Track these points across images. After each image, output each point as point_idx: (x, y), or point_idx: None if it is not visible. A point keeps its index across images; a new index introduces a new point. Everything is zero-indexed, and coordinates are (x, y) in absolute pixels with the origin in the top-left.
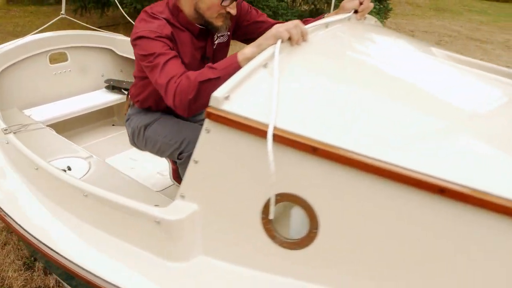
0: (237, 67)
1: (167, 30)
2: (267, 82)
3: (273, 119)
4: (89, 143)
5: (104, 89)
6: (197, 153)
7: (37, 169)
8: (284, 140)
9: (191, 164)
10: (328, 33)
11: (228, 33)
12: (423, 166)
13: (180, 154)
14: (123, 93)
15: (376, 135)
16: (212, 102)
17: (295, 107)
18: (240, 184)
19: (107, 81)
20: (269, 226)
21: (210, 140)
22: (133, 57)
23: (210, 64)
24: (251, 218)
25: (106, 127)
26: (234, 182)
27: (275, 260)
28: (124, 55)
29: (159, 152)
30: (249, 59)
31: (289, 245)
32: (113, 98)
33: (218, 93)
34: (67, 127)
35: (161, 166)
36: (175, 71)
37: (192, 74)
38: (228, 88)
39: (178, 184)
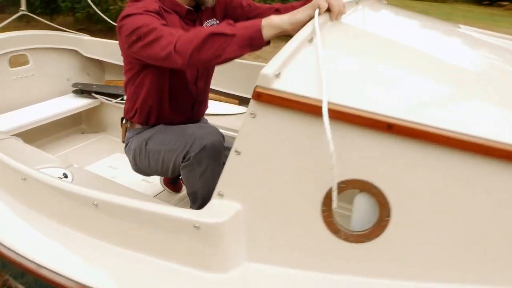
0: (257, 31)
1: (155, 5)
2: (315, 58)
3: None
4: (58, 153)
5: (72, 94)
6: (239, 143)
7: (25, 179)
8: (352, 118)
9: (231, 156)
10: (360, 10)
11: (217, 21)
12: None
13: (185, 155)
14: (94, 98)
15: (450, 109)
16: (260, 81)
17: (352, 83)
18: (294, 174)
19: (74, 85)
20: (331, 219)
21: (257, 126)
22: (102, 59)
23: (229, 20)
24: (309, 212)
25: (75, 135)
26: (286, 173)
27: (339, 258)
28: (92, 56)
29: (164, 167)
30: (275, 27)
31: (356, 238)
32: (82, 103)
33: (268, 71)
34: (32, 137)
35: None
36: (176, 30)
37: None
38: (278, 65)
39: (169, 190)
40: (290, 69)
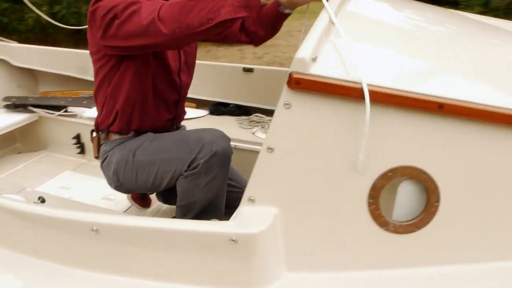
0: None
1: None
2: (345, 41)
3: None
4: None
5: (3, 110)
6: (272, 138)
7: None
8: (402, 101)
9: (263, 155)
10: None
11: None
12: None
13: (191, 163)
14: (30, 112)
15: (496, 87)
16: (296, 67)
17: (389, 65)
18: (336, 167)
19: (5, 99)
20: (379, 212)
21: (292, 117)
22: (35, 68)
23: None
24: (354, 207)
25: (11, 156)
26: (327, 167)
27: (390, 252)
28: (23, 66)
29: (157, 179)
30: None
31: (406, 228)
32: (16, 119)
33: (304, 54)
34: None
35: (105, 190)
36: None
37: None
38: (311, 49)
39: (138, 206)
40: (324, 52)
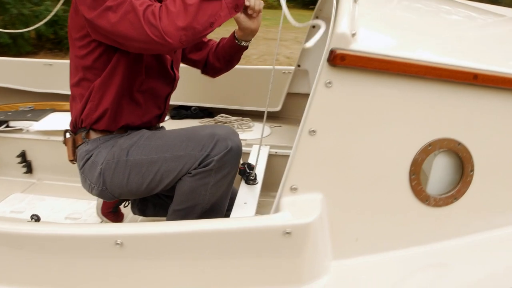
0: None
1: None
2: (375, 16)
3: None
4: None
5: None
6: (313, 120)
7: None
8: (441, 73)
9: (304, 139)
10: None
11: None
12: None
13: (203, 160)
14: None
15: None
16: (337, 43)
17: (421, 39)
18: (379, 144)
19: None
20: (421, 187)
21: (333, 96)
22: None
23: None
24: (396, 184)
25: None
26: (369, 145)
27: (433, 225)
28: None
29: (155, 180)
30: None
31: (445, 200)
32: None
33: (343, 29)
34: None
35: (65, 209)
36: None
37: None
38: (348, 24)
39: (109, 221)
40: (361, 28)
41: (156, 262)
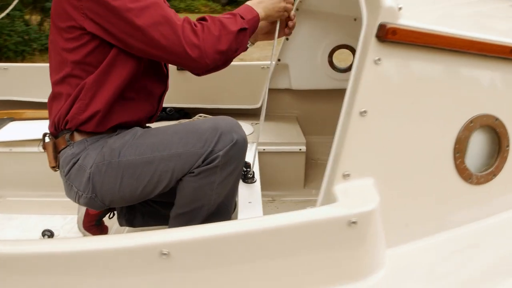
0: (257, 20)
1: None
2: None
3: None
4: None
5: None
6: (363, 100)
7: None
8: (479, 47)
9: (354, 122)
10: None
11: None
12: None
13: (207, 157)
14: None
15: None
16: (385, 17)
17: (458, 16)
18: (426, 122)
19: None
20: (464, 165)
21: (382, 74)
22: None
23: (232, 12)
24: (442, 165)
25: None
26: (417, 123)
27: (475, 203)
28: None
29: (151, 183)
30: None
31: (486, 177)
32: None
33: (390, 3)
34: None
35: (38, 227)
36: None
37: (215, 19)
38: None
39: (90, 234)
40: (404, 3)
41: (210, 271)
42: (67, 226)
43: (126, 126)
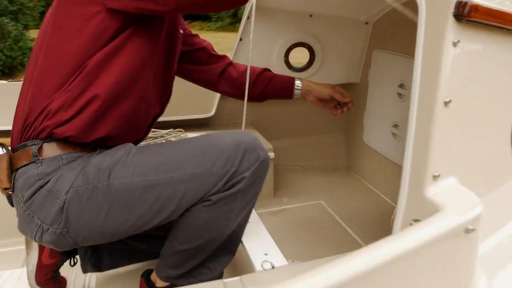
0: None
1: None
2: None
3: None
4: None
5: None
6: (446, 88)
7: None
8: None
9: (439, 114)
10: None
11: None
12: None
13: (230, 179)
14: None
15: None
16: None
17: None
18: (498, 109)
19: None
20: None
21: (463, 57)
22: None
23: None
24: (509, 154)
25: None
26: (491, 111)
27: None
28: None
29: (147, 215)
30: None
31: None
32: None
33: None
34: None
35: None
36: None
37: None
38: None
39: None
40: None
41: None
42: (10, 284)
43: (106, 145)
